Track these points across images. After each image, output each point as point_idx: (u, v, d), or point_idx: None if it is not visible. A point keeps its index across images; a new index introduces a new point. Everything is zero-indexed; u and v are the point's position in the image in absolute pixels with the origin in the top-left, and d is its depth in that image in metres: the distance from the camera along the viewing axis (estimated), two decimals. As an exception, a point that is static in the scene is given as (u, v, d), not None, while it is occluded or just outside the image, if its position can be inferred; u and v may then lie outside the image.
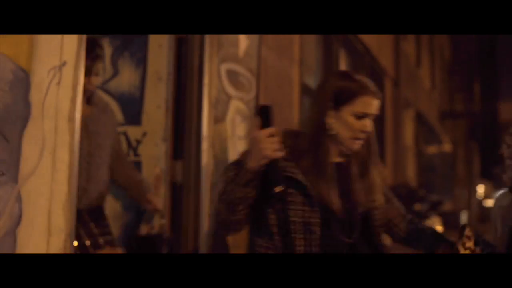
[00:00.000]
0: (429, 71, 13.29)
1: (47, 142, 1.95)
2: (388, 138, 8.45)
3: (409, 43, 10.37)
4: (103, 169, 2.44)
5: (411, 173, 10.73)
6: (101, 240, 2.39)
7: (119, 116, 2.92)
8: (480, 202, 20.04)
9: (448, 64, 17.22)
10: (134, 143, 2.99)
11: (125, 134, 2.95)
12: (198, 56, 3.07)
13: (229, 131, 3.29)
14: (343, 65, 6.03)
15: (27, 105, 1.88)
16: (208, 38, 3.08)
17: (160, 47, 3.04)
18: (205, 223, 3.01)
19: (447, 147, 17.70)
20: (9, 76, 1.83)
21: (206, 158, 3.03)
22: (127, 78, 3.08)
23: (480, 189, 21.72)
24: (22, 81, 1.86)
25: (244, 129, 3.46)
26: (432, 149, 15.20)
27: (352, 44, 6.40)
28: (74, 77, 2.07)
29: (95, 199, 2.41)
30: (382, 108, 7.68)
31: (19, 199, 1.86)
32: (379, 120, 7.93)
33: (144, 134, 2.99)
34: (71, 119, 2.03)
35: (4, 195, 1.81)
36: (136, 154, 2.98)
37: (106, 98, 2.90)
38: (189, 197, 3.01)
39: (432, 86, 13.87)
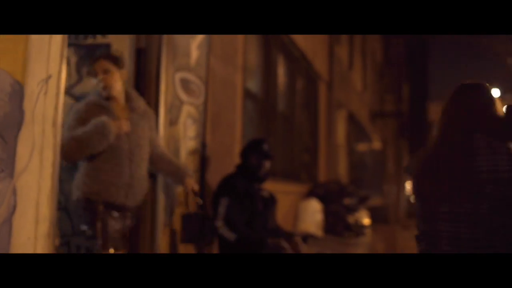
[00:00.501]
0: (361, 73, 14.09)
1: (36, 144, 2.31)
2: (321, 137, 9.06)
3: (342, 47, 11.05)
4: (143, 167, 2.93)
5: (342, 170, 11.43)
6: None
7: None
8: (408, 197, 21.16)
9: (379, 67, 18.17)
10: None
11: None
12: (156, 66, 3.46)
13: (181, 132, 3.71)
14: (281, 70, 6.53)
15: (21, 112, 2.24)
16: (164, 49, 3.48)
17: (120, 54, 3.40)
18: (161, 216, 3.43)
19: (377, 145, 18.62)
20: (8, 88, 2.18)
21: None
22: (90, 83, 3.43)
23: (409, 185, 22.87)
24: (18, 92, 2.21)
25: (194, 131, 3.89)
26: (363, 147, 15.99)
27: (290, 50, 6.91)
28: (57, 88, 2.44)
29: (139, 194, 2.90)
30: (316, 109, 8.32)
31: (14, 192, 2.21)
32: (313, 121, 8.53)
33: (107, 135, 3.34)
34: (55, 123, 2.41)
35: (3, 189, 2.16)
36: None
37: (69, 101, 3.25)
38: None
39: (364, 88, 14.70)
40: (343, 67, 11.04)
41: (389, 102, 18.67)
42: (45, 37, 2.36)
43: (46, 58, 2.36)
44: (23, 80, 2.24)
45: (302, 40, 7.18)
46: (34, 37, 2.29)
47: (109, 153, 2.82)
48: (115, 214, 2.84)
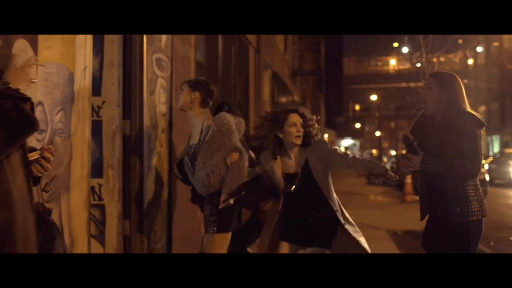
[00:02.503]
0: (283, 36, 15.41)
1: (80, 114, 3.43)
2: (251, 96, 10.35)
3: (267, 14, 12.24)
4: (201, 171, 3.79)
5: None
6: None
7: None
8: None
9: (299, 27, 19.55)
10: (96, 108, 4.43)
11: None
12: (139, 49, 4.56)
13: (157, 100, 4.86)
14: (219, 41, 7.69)
15: (73, 93, 3.32)
16: (145, 37, 4.58)
17: (112, 43, 4.47)
18: (146, 160, 4.61)
19: (297, 99, 20.19)
20: (66, 77, 3.24)
21: (146, 118, 4.59)
22: (87, 63, 4.48)
23: (325, 137, 24.90)
24: (71, 79, 3.28)
25: (164, 98, 5.04)
26: (284, 102, 17.44)
27: (226, 23, 8.07)
28: (89, 75, 3.55)
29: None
30: (247, 71, 9.62)
31: (71, 146, 3.33)
32: (244, 81, 9.78)
33: (103, 102, 4.43)
34: (88, 99, 3.53)
35: (66, 144, 3.28)
36: (98, 116, 4.43)
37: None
38: (135, 146, 4.56)
39: (285, 49, 16.06)
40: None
41: (309, 61, 20.18)
42: (82, 38, 3.44)
43: (84, 54, 3.46)
44: (73, 70, 3.32)
45: (236, 13, 8.35)
46: (77, 40, 3.37)
47: None
48: None
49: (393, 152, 45.26)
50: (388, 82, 44.98)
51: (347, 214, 3.67)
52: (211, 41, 7.12)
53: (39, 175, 2.11)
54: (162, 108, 4.99)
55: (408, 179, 13.19)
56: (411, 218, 8.77)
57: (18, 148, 2.00)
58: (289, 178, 3.64)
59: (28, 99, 1.97)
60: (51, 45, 3.04)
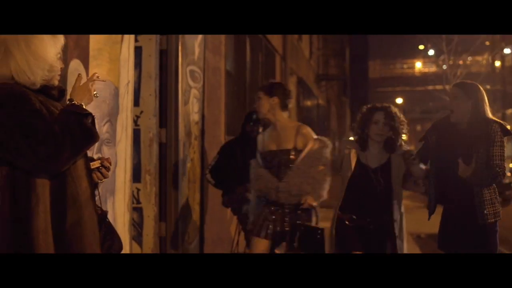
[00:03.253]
0: (308, 42, 15.66)
1: (123, 125, 3.74)
2: (277, 102, 10.61)
3: (293, 21, 12.51)
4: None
5: (293, 129, 13.09)
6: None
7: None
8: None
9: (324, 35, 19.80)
10: (135, 118, 4.74)
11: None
12: (174, 62, 4.87)
13: (190, 109, 5.17)
14: (247, 50, 7.99)
15: (118, 105, 3.64)
16: (180, 50, 4.89)
17: (149, 56, 4.79)
18: (181, 166, 4.92)
19: (322, 103, 20.38)
20: (112, 91, 3.55)
21: (180, 127, 4.90)
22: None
23: (350, 139, 24.77)
24: (116, 93, 3.60)
25: (197, 107, 5.35)
26: (309, 106, 17.66)
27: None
28: (131, 89, 3.86)
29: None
30: (273, 77, 9.96)
31: (116, 154, 3.65)
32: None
33: (141, 112, 4.74)
34: (130, 112, 3.84)
35: (112, 152, 3.59)
36: (136, 125, 4.74)
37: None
38: (170, 152, 4.88)
39: (310, 55, 16.30)
40: (294, 39, 12.55)
41: (333, 66, 20.37)
42: (126, 55, 3.76)
43: (127, 70, 3.78)
44: (118, 85, 3.64)
45: (263, 23, 8.64)
46: (122, 57, 3.69)
47: None
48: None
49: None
50: (414, 85, 44.76)
51: (404, 227, 3.68)
52: (239, 51, 7.42)
53: (99, 181, 2.40)
54: (195, 117, 5.30)
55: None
56: (435, 222, 8.92)
57: (82, 156, 2.30)
58: (364, 170, 3.66)
59: (89, 114, 2.26)
60: (100, 63, 3.35)
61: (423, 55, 37.87)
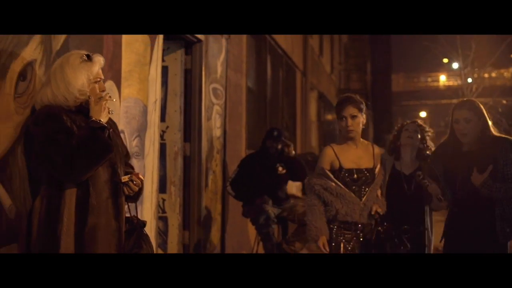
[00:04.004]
0: (329, 57, 15.93)
1: (151, 139, 4.07)
2: (298, 117, 10.89)
3: (314, 38, 12.83)
4: None
5: (314, 142, 13.33)
6: None
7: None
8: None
9: (345, 47, 20.05)
10: (161, 133, 5.07)
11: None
12: (198, 81, 5.20)
13: (213, 124, 5.49)
14: (268, 67, 8.30)
15: (146, 122, 3.97)
16: (203, 69, 5.22)
17: (175, 75, 5.13)
18: (203, 178, 5.22)
19: (344, 118, 20.44)
20: (141, 109, 3.88)
21: (203, 141, 5.22)
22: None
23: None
24: (145, 110, 3.92)
25: (219, 122, 5.67)
26: (330, 120, 17.83)
27: (274, 50, 8.67)
28: (158, 106, 4.19)
29: None
30: (294, 93, 10.29)
31: (144, 166, 3.97)
32: (292, 103, 10.35)
33: (167, 127, 5.08)
34: (157, 127, 4.16)
35: (141, 165, 3.91)
36: (163, 139, 5.07)
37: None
38: (194, 165, 5.19)
39: (331, 70, 16.56)
40: (314, 55, 12.84)
41: (355, 81, 20.57)
42: (154, 76, 4.08)
43: (155, 89, 4.11)
44: (146, 103, 3.97)
45: (283, 41, 8.95)
46: (150, 78, 4.02)
47: None
48: None
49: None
50: (438, 98, 44.46)
51: (432, 238, 3.84)
52: (260, 68, 7.74)
53: (130, 194, 2.71)
54: (217, 132, 5.61)
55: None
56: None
57: (107, 169, 2.62)
58: (401, 177, 4.06)
59: (105, 127, 2.57)
60: (131, 83, 3.68)
61: (447, 68, 37.70)
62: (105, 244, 2.58)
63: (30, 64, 2.66)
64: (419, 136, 4.14)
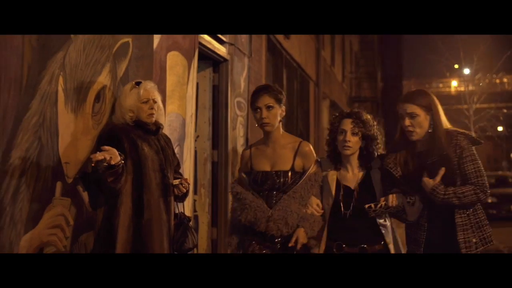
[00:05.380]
0: (341, 66, 16.60)
1: (187, 148, 4.76)
2: (311, 124, 11.56)
3: (326, 49, 13.51)
4: None
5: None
6: None
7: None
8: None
9: (356, 56, 20.70)
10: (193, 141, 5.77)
11: (189, 137, 5.74)
12: (224, 96, 5.90)
13: (237, 134, 6.18)
14: (284, 79, 8.98)
15: (184, 133, 4.66)
16: (229, 85, 5.92)
17: (204, 91, 5.84)
18: (229, 181, 5.91)
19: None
20: (181, 122, 4.57)
21: (229, 148, 5.91)
22: (185, 106, 5.85)
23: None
24: (184, 123, 4.61)
25: (242, 132, 6.36)
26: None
27: (290, 63, 9.37)
28: (194, 119, 4.89)
29: None
30: (307, 103, 10.99)
31: (183, 171, 4.66)
32: (305, 112, 11.01)
33: (198, 136, 5.78)
34: (193, 137, 4.86)
35: (181, 171, 4.61)
36: (195, 147, 5.76)
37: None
38: (221, 170, 5.88)
39: (343, 78, 17.22)
40: (326, 65, 13.52)
41: (366, 89, 21.16)
42: (191, 93, 4.78)
43: (191, 105, 4.81)
44: (185, 117, 4.66)
45: (297, 54, 9.65)
46: (188, 95, 4.71)
47: None
48: None
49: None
50: (450, 104, 44.77)
51: (401, 246, 3.13)
52: (277, 81, 8.43)
53: (179, 194, 3.38)
54: (240, 140, 6.31)
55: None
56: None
57: (158, 174, 3.28)
58: (347, 192, 3.13)
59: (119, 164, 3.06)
60: (173, 101, 4.38)
61: (459, 74, 38.11)
62: (158, 233, 3.23)
63: (102, 89, 3.36)
64: (354, 139, 3.13)
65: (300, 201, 3.14)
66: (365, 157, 3.18)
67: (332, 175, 3.18)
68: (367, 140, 3.15)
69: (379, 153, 3.20)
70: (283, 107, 3.28)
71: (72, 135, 3.08)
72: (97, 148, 3.05)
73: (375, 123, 3.22)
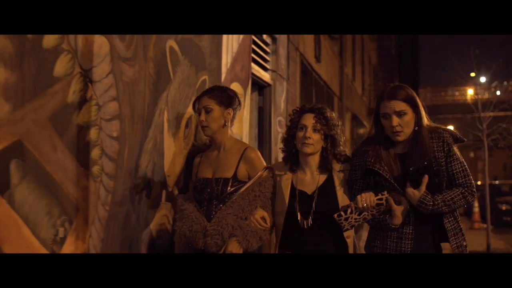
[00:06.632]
0: (361, 80, 17.48)
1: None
2: (335, 136, 12.42)
3: (348, 65, 14.42)
4: None
5: (349, 159, 14.80)
6: None
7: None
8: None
9: (374, 69, 21.56)
10: (241, 155, 6.68)
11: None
12: (268, 115, 6.82)
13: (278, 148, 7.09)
14: (314, 97, 9.91)
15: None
16: (272, 107, 6.84)
17: (252, 112, 6.76)
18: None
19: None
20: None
21: (273, 161, 6.82)
22: (234, 125, 6.77)
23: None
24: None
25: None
26: (362, 132, 19.22)
27: (317, 82, 10.29)
28: (248, 137, 5.81)
29: None
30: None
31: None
32: (331, 126, 11.85)
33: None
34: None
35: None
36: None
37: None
38: (266, 179, 6.79)
39: (362, 91, 18.09)
40: (348, 81, 14.43)
41: (384, 100, 21.92)
42: (246, 116, 5.70)
43: (246, 126, 5.73)
44: (242, 136, 5.58)
45: (324, 73, 10.58)
46: (243, 118, 5.63)
47: None
48: None
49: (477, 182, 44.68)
50: (466, 112, 45.12)
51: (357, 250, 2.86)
52: (307, 99, 9.37)
53: None
54: (281, 154, 7.22)
55: (476, 208, 14.68)
56: (479, 244, 10.62)
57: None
58: (303, 198, 2.81)
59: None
60: (234, 124, 5.31)
61: (475, 82, 38.59)
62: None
63: (189, 118, 4.29)
64: (316, 137, 2.85)
65: (239, 213, 2.77)
66: (327, 159, 2.83)
67: (286, 179, 2.85)
68: (330, 140, 2.85)
69: (342, 156, 2.87)
70: (230, 110, 3.04)
71: (172, 155, 4.01)
72: (186, 164, 3.99)
73: (339, 123, 2.94)
